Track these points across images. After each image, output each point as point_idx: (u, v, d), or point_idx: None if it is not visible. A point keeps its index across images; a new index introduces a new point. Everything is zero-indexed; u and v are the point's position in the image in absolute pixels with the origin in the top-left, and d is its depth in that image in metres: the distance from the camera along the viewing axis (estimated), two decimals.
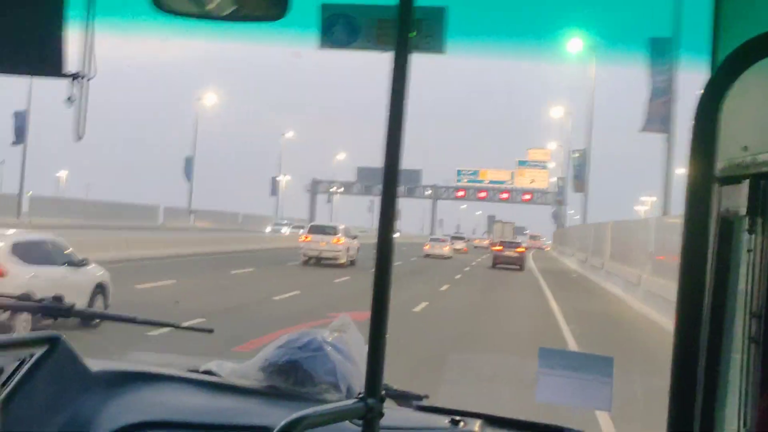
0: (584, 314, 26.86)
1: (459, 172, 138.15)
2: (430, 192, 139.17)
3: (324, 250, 44.11)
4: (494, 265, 53.48)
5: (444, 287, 34.11)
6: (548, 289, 37.17)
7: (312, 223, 52.17)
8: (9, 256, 15.79)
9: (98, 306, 17.31)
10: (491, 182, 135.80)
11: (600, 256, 48.18)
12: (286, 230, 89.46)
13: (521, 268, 53.05)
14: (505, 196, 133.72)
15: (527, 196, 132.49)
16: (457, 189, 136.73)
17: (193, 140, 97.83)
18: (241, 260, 40.06)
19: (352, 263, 44.48)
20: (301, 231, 68.26)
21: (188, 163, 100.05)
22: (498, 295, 33.93)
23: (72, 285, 16.24)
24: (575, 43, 53.97)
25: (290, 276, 35.42)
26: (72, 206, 72.42)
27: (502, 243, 58.61)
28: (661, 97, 48.47)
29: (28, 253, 16.37)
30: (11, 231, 18.09)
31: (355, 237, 46.90)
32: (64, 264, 17.07)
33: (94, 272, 18.11)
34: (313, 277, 35.58)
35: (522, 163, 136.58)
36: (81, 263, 17.56)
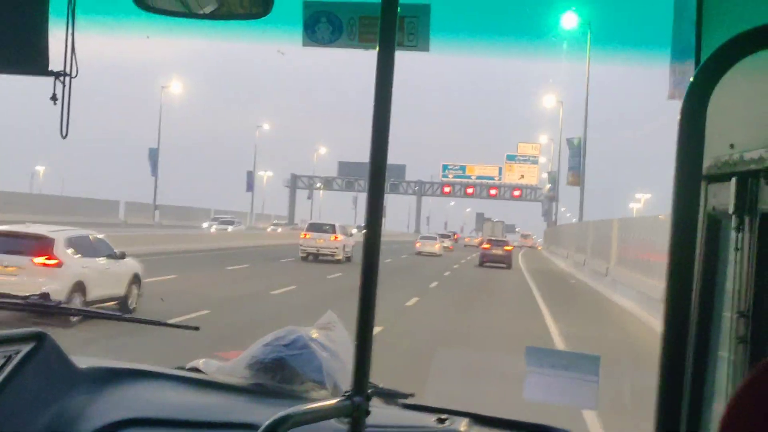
0: (597, 346, 17.74)
1: (445, 167, 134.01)
2: (414, 188, 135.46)
3: (322, 247, 46.69)
4: (482, 264, 53.73)
5: (411, 302, 25.92)
6: (543, 303, 28.87)
7: (311, 222, 54.55)
8: (64, 249, 18.00)
9: (133, 293, 19.88)
10: (479, 178, 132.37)
11: (603, 260, 39.96)
12: (218, 227, 78.29)
13: (509, 266, 53.25)
14: (493, 192, 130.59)
15: (517, 193, 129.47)
16: (443, 185, 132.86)
17: (158, 130, 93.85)
18: (187, 261, 37.21)
19: (348, 260, 46.74)
20: (240, 227, 75.48)
21: (152, 155, 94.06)
22: (481, 316, 24.99)
23: (114, 274, 19.04)
24: (570, 18, 53.72)
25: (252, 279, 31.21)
26: (19, 200, 69.32)
27: (489, 241, 59.22)
28: (575, 169, 57.76)
29: (78, 246, 18.60)
30: (62, 228, 20.46)
31: (351, 234, 49.62)
32: (106, 256, 19.22)
33: (131, 264, 20.12)
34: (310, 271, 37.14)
35: (511, 158, 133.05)
36: (120, 256, 19.65)
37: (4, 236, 18.49)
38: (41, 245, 18.13)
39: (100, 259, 19.03)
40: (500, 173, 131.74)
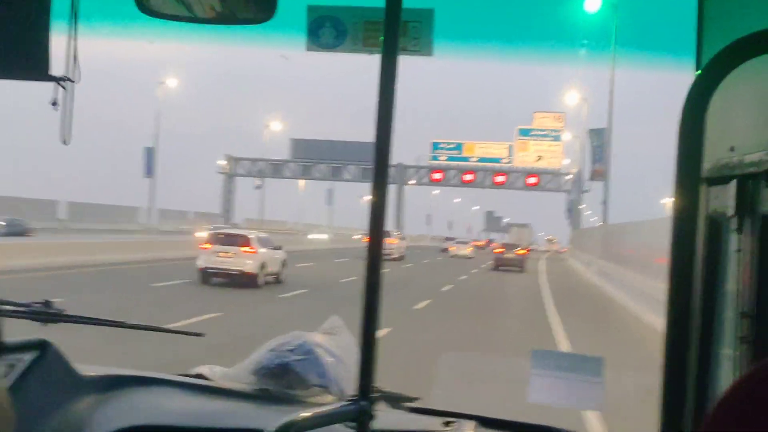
0: None
1: (435, 146, 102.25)
2: (393, 174, 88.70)
3: (226, 263, 30.77)
4: (496, 268, 54.64)
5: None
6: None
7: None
8: (256, 243, 31.35)
9: (283, 272, 32.81)
10: (481, 160, 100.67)
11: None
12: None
13: (522, 269, 54.12)
14: (500, 179, 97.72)
15: (532, 180, 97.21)
16: (432, 170, 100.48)
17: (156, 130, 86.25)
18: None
19: (276, 281, 32.34)
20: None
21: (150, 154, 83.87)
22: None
23: (275, 259, 32.23)
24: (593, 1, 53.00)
25: None
26: None
27: (503, 245, 61.85)
28: (598, 162, 59.85)
29: (261, 241, 31.92)
30: (252, 231, 36.10)
31: (277, 248, 33.21)
32: (272, 248, 32.29)
33: (281, 253, 32.89)
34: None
35: (524, 132, 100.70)
36: (278, 248, 32.82)
37: (225, 235, 32.45)
38: (244, 240, 31.22)
39: (269, 249, 31.78)
40: (510, 153, 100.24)
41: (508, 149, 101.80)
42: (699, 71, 1.52)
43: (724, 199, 1.94)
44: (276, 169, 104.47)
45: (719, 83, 1.48)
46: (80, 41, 2.54)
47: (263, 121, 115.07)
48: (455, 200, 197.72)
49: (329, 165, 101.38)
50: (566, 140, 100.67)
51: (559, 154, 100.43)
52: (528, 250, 61.12)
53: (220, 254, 30.42)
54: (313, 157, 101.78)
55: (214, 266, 30.24)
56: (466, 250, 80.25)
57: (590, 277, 48.51)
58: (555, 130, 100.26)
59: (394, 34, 1.81)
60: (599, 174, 65.05)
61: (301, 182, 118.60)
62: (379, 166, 1.82)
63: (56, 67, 2.52)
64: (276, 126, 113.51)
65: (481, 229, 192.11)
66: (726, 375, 1.99)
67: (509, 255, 56.20)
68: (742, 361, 1.93)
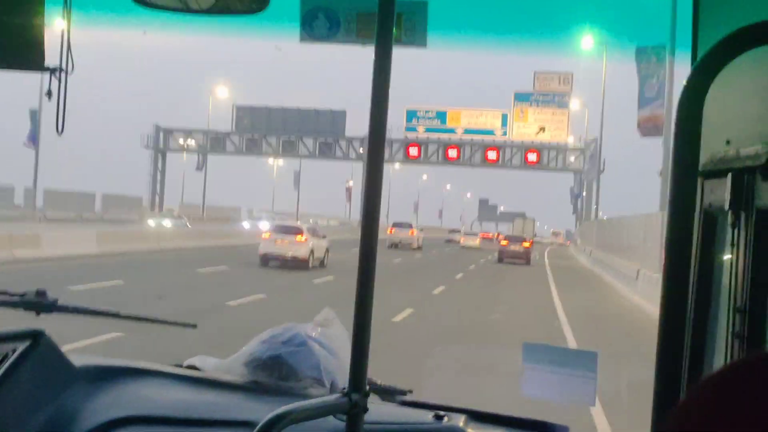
0: None
1: (411, 115, 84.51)
2: (359, 149, 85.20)
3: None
4: (500, 260, 55.08)
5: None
6: None
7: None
8: (307, 233, 36.88)
9: (327, 258, 37.71)
10: (469, 132, 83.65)
11: None
12: None
13: (527, 262, 54.50)
14: (493, 156, 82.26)
15: (533, 157, 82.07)
16: (408, 144, 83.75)
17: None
18: None
19: (322, 264, 37.04)
20: None
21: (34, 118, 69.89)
22: None
23: (321, 246, 37.45)
24: (587, 41, 54.88)
25: None
26: None
27: (507, 238, 61.70)
28: (652, 103, 46.45)
29: (311, 231, 38.04)
30: (303, 223, 45.86)
31: (324, 237, 38.95)
32: (320, 237, 38.07)
33: (325, 242, 38.15)
34: None
35: (523, 98, 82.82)
36: (323, 237, 38.66)
37: (284, 226, 38.18)
38: (298, 230, 36.63)
39: (317, 238, 37.27)
40: (504, 123, 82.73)
41: (501, 119, 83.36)
42: (694, 65, 1.52)
43: (720, 192, 1.93)
44: (217, 143, 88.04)
45: (715, 76, 1.48)
46: (74, 32, 2.54)
47: (208, 90, 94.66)
48: (446, 187, 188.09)
49: (283, 138, 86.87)
50: (574, 110, 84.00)
51: (565, 125, 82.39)
52: (531, 243, 61.34)
53: (277, 242, 35.83)
54: (263, 129, 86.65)
55: (272, 252, 35.75)
56: (475, 242, 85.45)
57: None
58: (561, 95, 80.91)
59: (388, 25, 1.81)
60: (652, 123, 44.55)
61: (276, 161, 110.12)
62: (373, 159, 1.82)
63: (50, 58, 2.52)
64: (222, 92, 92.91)
65: (475, 218, 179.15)
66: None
67: (514, 247, 56.40)
68: (736, 357, 1.93)
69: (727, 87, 1.63)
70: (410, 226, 69.54)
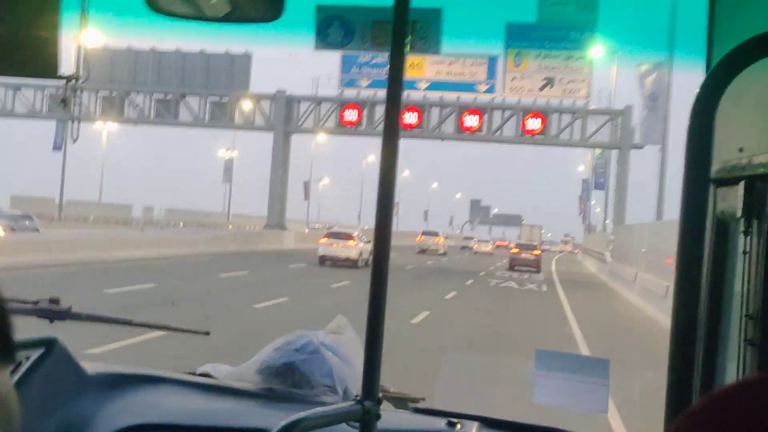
0: None
1: (349, 64, 57.75)
2: (272, 115, 62.18)
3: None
4: (511, 268, 54.80)
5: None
6: None
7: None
8: (357, 237, 43.10)
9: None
10: (436, 87, 56.62)
11: None
12: None
13: (538, 270, 53.84)
14: (472, 122, 55.69)
15: (534, 123, 54.99)
16: (344, 105, 57.93)
17: None
18: None
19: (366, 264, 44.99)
20: None
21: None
22: None
23: (367, 249, 39.02)
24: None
25: None
26: None
27: (519, 246, 60.56)
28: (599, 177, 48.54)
29: (359, 236, 43.60)
30: (354, 228, 51.98)
31: (369, 241, 45.84)
32: (365, 241, 41.61)
33: (371, 246, 37.45)
34: None
35: (519, 35, 52.21)
36: (369, 241, 37.70)
37: (338, 232, 45.12)
38: (349, 235, 43.57)
39: (364, 243, 41.49)
40: (492, 74, 55.91)
41: (487, 67, 56.11)
42: (709, 72, 1.52)
43: (732, 200, 1.93)
44: (108, 103, 60.42)
45: (729, 84, 1.49)
46: (90, 41, 2.55)
47: None
48: (432, 186, 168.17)
49: (157, 96, 61.56)
50: (595, 58, 53.74)
51: (587, 79, 55.11)
52: (541, 252, 61.13)
53: (334, 245, 43.09)
54: (125, 83, 60.59)
55: (329, 254, 42.73)
56: (488, 248, 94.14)
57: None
58: (580, 29, 48.54)
59: (402, 33, 1.81)
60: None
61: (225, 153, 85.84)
62: (386, 167, 1.82)
63: (65, 66, 2.52)
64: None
65: (466, 221, 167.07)
66: (731, 377, 1.99)
67: (525, 255, 56.04)
68: (748, 364, 1.93)
69: (740, 95, 1.63)
70: (437, 234, 78.30)
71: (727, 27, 2.15)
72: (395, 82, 1.81)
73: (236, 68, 61.46)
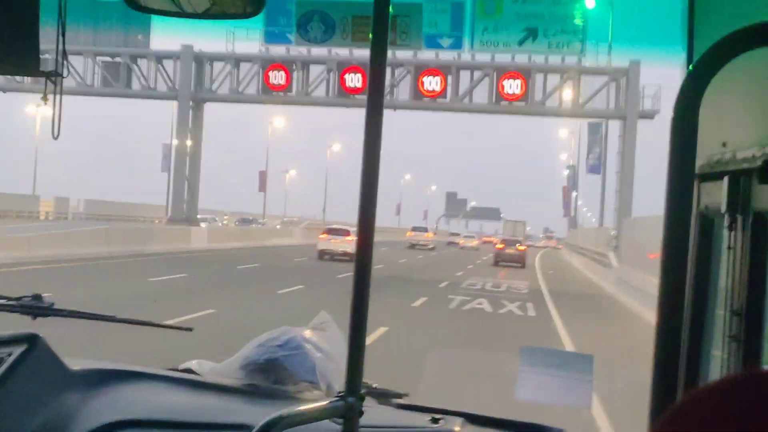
0: None
1: (272, 13, 42.34)
2: (170, 83, 53.12)
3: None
4: (496, 263, 55.32)
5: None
6: None
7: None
8: (354, 234, 38.20)
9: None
10: (354, 47, 44.48)
11: None
12: None
13: (522, 265, 54.35)
14: (433, 86, 47.35)
15: (514, 88, 46.62)
16: (269, 65, 48.54)
17: None
18: None
19: None
20: None
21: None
22: None
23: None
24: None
25: None
26: None
27: (504, 241, 62.15)
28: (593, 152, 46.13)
29: (354, 232, 40.24)
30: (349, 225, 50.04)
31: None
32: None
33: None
34: None
35: None
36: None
37: (336, 229, 48.03)
38: (347, 232, 45.74)
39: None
40: (459, 24, 45.62)
41: (450, 14, 44.86)
42: (691, 67, 1.52)
43: (717, 195, 1.94)
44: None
45: (711, 79, 1.49)
46: (69, 37, 2.54)
47: None
48: (404, 177, 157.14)
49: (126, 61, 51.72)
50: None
51: (580, 27, 45.57)
52: (526, 247, 61.79)
53: (332, 241, 47.14)
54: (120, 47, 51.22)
55: (328, 248, 46.71)
56: (474, 243, 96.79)
57: None
58: None
59: (383, 28, 1.81)
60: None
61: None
62: (369, 163, 1.81)
63: (45, 63, 2.51)
64: None
65: (441, 214, 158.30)
66: (715, 372, 2.00)
67: (510, 250, 57.47)
68: (732, 359, 1.94)
69: (723, 89, 1.63)
70: (426, 230, 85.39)
71: (709, 21, 2.16)
72: (377, 78, 1.80)
73: (133, 21, 47.86)
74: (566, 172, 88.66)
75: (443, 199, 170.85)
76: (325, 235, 48.51)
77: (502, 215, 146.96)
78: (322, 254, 46.73)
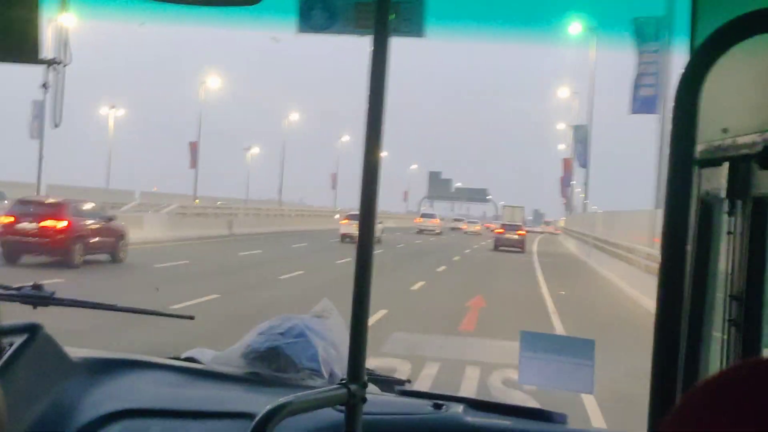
0: None
1: None
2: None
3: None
4: (496, 248, 55.77)
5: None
6: None
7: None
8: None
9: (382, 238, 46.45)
10: None
11: None
12: None
13: (522, 250, 54.72)
14: None
15: None
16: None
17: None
18: None
19: (378, 242, 51.44)
20: None
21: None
22: None
23: (379, 228, 38.27)
24: (575, 27, 49.48)
25: None
26: None
27: (503, 226, 62.60)
28: (648, 78, 43.86)
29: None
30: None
31: (380, 222, 52.42)
32: (378, 222, 42.65)
33: (382, 226, 47.03)
34: None
35: None
36: (380, 222, 38.90)
37: (355, 215, 41.19)
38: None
39: (377, 223, 44.48)
40: None
41: None
42: (692, 53, 1.52)
43: (717, 181, 1.94)
44: None
45: (713, 64, 1.48)
46: (71, 24, 2.53)
47: None
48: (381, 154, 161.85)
49: None
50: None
51: None
52: (526, 232, 61.76)
53: (353, 225, 51.49)
54: None
55: (349, 233, 48.30)
56: (477, 228, 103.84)
57: None
58: None
59: (385, 14, 1.80)
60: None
61: None
62: (370, 151, 1.81)
63: (46, 50, 2.51)
64: None
65: (424, 196, 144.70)
66: (715, 358, 2.00)
67: (510, 235, 57.63)
68: (731, 345, 1.94)
69: (724, 76, 1.63)
70: (433, 216, 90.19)
71: (711, 7, 2.15)
72: (378, 65, 1.80)
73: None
74: (569, 139, 76.10)
75: (426, 179, 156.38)
76: (346, 221, 51.45)
77: (489, 197, 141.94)
78: (344, 238, 49.82)
